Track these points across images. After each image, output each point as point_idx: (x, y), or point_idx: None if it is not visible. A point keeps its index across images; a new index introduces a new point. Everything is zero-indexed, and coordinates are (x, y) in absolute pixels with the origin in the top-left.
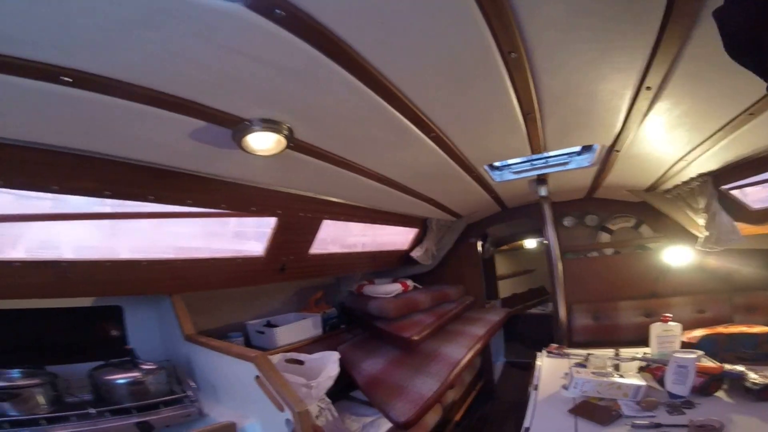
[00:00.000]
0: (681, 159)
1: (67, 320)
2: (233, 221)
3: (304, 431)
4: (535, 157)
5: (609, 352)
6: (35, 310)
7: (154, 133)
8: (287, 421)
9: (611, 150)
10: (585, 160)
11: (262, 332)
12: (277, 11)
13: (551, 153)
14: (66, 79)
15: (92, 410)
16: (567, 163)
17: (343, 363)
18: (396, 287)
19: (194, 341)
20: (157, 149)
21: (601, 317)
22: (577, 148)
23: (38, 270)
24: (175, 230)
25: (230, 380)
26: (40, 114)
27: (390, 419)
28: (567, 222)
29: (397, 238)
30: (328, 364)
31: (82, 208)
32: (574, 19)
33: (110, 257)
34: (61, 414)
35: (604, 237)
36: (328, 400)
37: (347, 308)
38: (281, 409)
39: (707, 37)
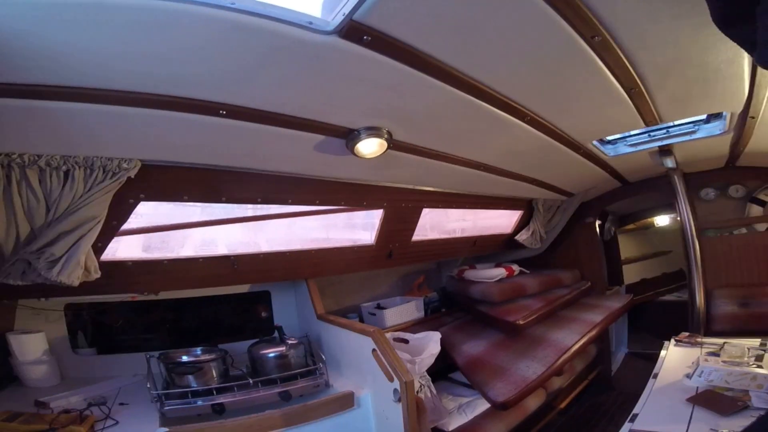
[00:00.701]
0: None
1: (231, 305)
2: (343, 215)
3: (409, 398)
4: (652, 128)
5: (752, 341)
6: (207, 298)
7: (287, 149)
8: (395, 390)
9: (744, 116)
10: (715, 128)
11: (374, 314)
12: (365, 37)
13: (673, 123)
14: (222, 111)
15: (250, 381)
16: (694, 131)
17: (443, 344)
18: (499, 272)
19: (324, 319)
20: (291, 162)
21: (750, 303)
22: (703, 116)
23: (215, 264)
24: (302, 224)
25: (352, 354)
26: (207, 141)
27: (488, 399)
28: (706, 194)
29: (500, 221)
30: (430, 343)
31: (227, 214)
32: None
33: (264, 251)
34: (226, 385)
35: (755, 210)
36: (428, 377)
37: (448, 292)
38: (391, 380)
39: None
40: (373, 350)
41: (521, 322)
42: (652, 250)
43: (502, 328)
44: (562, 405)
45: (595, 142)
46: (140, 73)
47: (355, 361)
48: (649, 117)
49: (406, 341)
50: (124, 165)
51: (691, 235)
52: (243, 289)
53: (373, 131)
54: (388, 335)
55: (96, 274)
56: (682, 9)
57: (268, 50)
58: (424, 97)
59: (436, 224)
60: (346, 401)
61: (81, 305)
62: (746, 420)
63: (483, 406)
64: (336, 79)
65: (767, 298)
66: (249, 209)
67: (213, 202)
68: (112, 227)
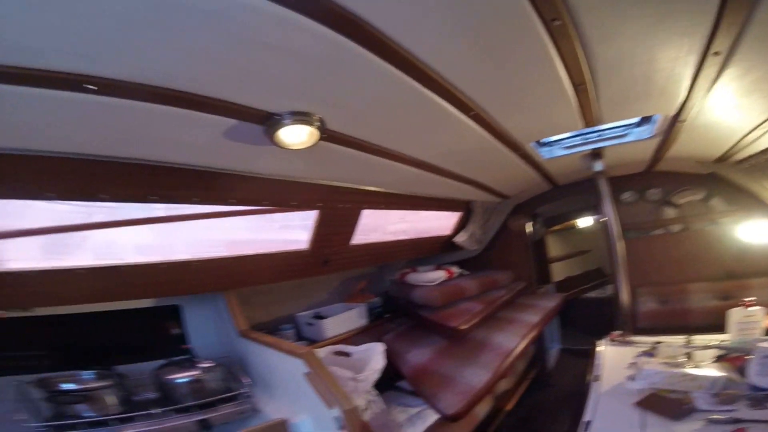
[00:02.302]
0: (757, 127)
1: (131, 321)
2: (278, 216)
3: (353, 428)
4: (587, 130)
5: (679, 339)
6: (101, 313)
7: (187, 134)
8: (336, 418)
9: (675, 120)
10: (645, 131)
11: (312, 324)
12: None
13: (606, 126)
14: (90, 87)
15: (157, 410)
16: (624, 135)
17: (388, 353)
18: (440, 274)
19: (248, 337)
20: (193, 151)
21: (669, 301)
22: (635, 120)
23: (101, 275)
24: (225, 225)
25: (282, 375)
26: (76, 124)
27: (438, 411)
28: (626, 197)
29: (439, 223)
30: (374, 356)
31: (135, 214)
32: None
33: (166, 259)
34: (129, 414)
35: (670, 212)
36: (374, 392)
37: (391, 297)
38: (330, 406)
39: None
40: (307, 374)
41: (464, 327)
42: (575, 249)
43: (445, 333)
44: (509, 407)
45: (533, 144)
46: None
47: (288, 383)
48: (588, 118)
49: (347, 354)
50: None
51: (615, 236)
52: (147, 303)
53: (301, 117)
54: (327, 349)
55: None
56: None
57: (151, 5)
58: (364, 79)
59: (376, 226)
60: (280, 430)
61: None
62: (697, 423)
63: (434, 415)
64: (250, 48)
65: (683, 295)
66: (158, 209)
67: (88, 200)
68: None
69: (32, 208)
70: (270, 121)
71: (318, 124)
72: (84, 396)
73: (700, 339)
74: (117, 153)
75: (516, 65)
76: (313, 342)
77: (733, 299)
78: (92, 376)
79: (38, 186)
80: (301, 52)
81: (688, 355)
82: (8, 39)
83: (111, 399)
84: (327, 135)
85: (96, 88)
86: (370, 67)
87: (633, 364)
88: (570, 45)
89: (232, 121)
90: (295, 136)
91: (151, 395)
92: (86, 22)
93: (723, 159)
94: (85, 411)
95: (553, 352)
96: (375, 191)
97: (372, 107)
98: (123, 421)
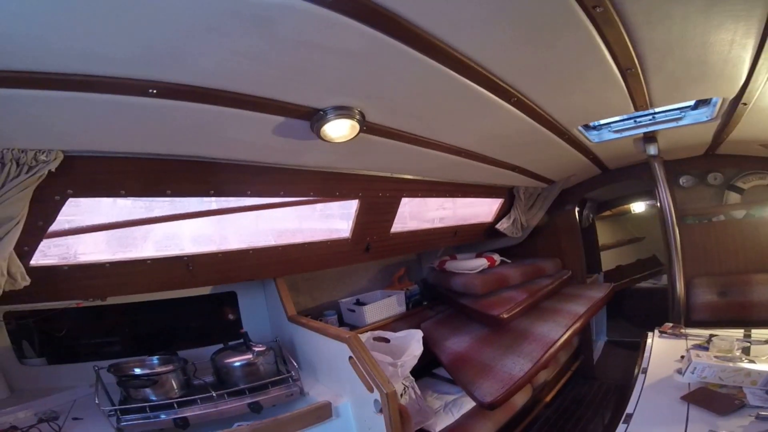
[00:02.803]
0: None
1: (192, 308)
2: (319, 206)
3: (392, 411)
4: (639, 114)
5: (737, 333)
6: (165, 301)
7: (240, 132)
8: (375, 401)
9: (736, 103)
10: (702, 114)
11: (353, 310)
12: None
13: (660, 109)
14: (152, 90)
15: (214, 393)
16: (680, 118)
17: (426, 341)
18: (481, 262)
19: (296, 322)
20: (246, 147)
21: (729, 293)
22: (691, 103)
23: (165, 265)
24: (272, 216)
25: (327, 359)
26: (141, 126)
27: (475, 399)
28: (684, 182)
29: (480, 209)
30: (412, 343)
31: (191, 208)
32: None
33: (223, 249)
34: (189, 398)
35: (733, 197)
36: (411, 378)
37: (430, 285)
38: (371, 390)
39: None
40: (350, 358)
41: (505, 316)
42: (627, 236)
43: (486, 322)
44: (548, 398)
45: (580, 128)
46: (44, 50)
47: (332, 367)
48: (640, 101)
49: (387, 340)
50: (42, 157)
51: (672, 222)
52: (206, 290)
53: (343, 111)
54: (368, 334)
55: (24, 282)
56: None
57: (204, 15)
58: (401, 72)
59: (415, 214)
60: (324, 412)
61: (23, 313)
62: (744, 420)
63: (469, 404)
64: (294, 48)
65: (745, 287)
66: (213, 202)
67: (155, 195)
68: (38, 228)
69: (98, 206)
70: (315, 117)
71: (358, 117)
72: (151, 380)
73: (760, 333)
74: (178, 151)
75: (558, 51)
76: (354, 327)
77: None
78: (158, 362)
79: (111, 184)
80: (341, 49)
81: (744, 350)
82: (77, 48)
83: (174, 383)
84: (367, 127)
85: (156, 91)
86: (406, 60)
87: (683, 358)
88: (615, 30)
89: (280, 119)
90: (338, 129)
91: (209, 379)
92: (149, 31)
93: None
94: (151, 395)
95: (600, 344)
96: (414, 179)
97: (409, 98)
98: (183, 404)
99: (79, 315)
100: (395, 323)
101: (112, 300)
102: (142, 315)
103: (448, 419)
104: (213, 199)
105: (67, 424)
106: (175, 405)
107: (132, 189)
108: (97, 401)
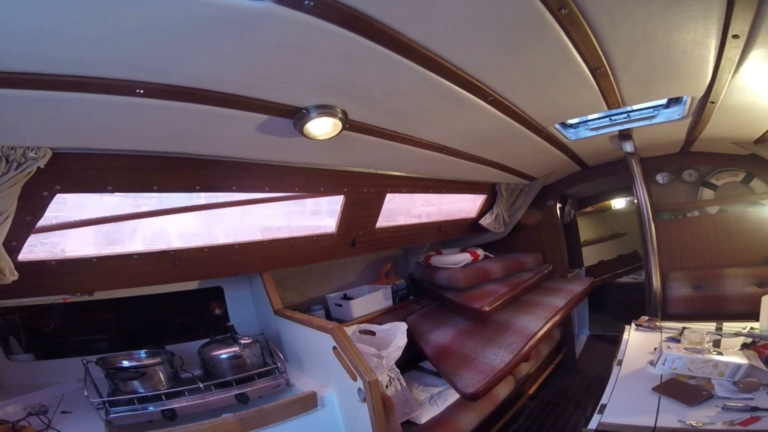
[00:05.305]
0: None
1: (179, 303)
2: (308, 202)
3: (374, 399)
4: (614, 112)
5: (709, 326)
6: (153, 296)
7: (225, 130)
8: (359, 390)
9: (704, 101)
10: (674, 112)
11: (340, 305)
12: (306, 2)
13: (634, 107)
14: (139, 91)
15: (201, 385)
16: (653, 116)
17: (412, 334)
18: (464, 257)
19: (282, 315)
20: (231, 144)
21: (703, 286)
22: (663, 101)
23: (152, 260)
24: (260, 212)
25: (312, 350)
26: (129, 125)
27: (457, 390)
28: (661, 178)
29: (464, 205)
30: (397, 335)
31: (178, 204)
32: None
33: (209, 243)
34: (176, 390)
35: (707, 194)
36: (397, 370)
37: (415, 279)
38: (354, 379)
39: None
40: (334, 348)
41: (487, 309)
42: (609, 232)
43: (469, 315)
44: (531, 390)
45: (557, 126)
46: (34, 53)
47: (317, 358)
48: (612, 99)
49: (373, 333)
50: (31, 154)
51: (648, 218)
52: (193, 285)
53: (325, 110)
54: (354, 327)
55: (12, 276)
56: None
57: (187, 20)
58: (380, 72)
59: (402, 209)
60: (309, 402)
61: (10, 309)
62: (711, 410)
63: (454, 396)
64: (275, 51)
65: (718, 281)
66: (202, 198)
67: (142, 191)
68: (27, 223)
69: (86, 202)
70: (298, 115)
71: (341, 115)
72: (139, 373)
73: (731, 326)
74: (165, 148)
75: (529, 52)
76: (342, 322)
77: None
78: (145, 355)
79: (99, 181)
80: (322, 52)
81: (715, 342)
82: (68, 51)
83: (162, 375)
84: (350, 125)
85: (143, 91)
86: (384, 61)
87: (656, 350)
88: (581, 30)
89: (264, 117)
90: (321, 127)
91: (197, 371)
92: (135, 35)
93: (762, 140)
94: (139, 387)
95: (582, 337)
96: (398, 175)
97: (390, 97)
98: (171, 396)
99: (66, 311)
100: (382, 317)
101: (99, 295)
102: (129, 310)
103: (433, 411)
104: (201, 195)
105: (56, 418)
106: (163, 397)
107: (119, 185)
108: (86, 393)
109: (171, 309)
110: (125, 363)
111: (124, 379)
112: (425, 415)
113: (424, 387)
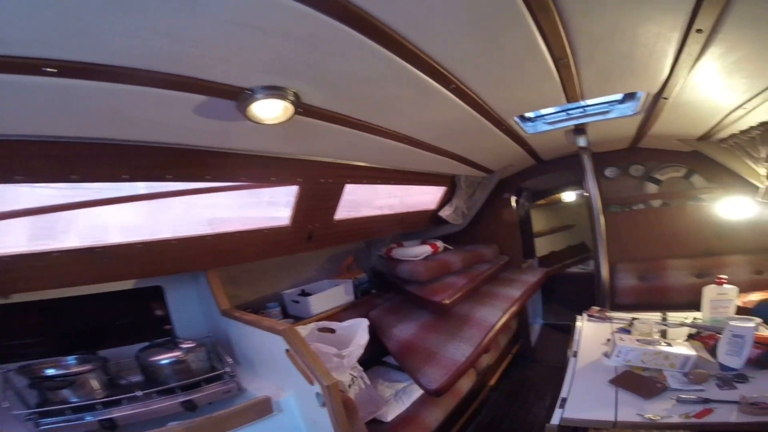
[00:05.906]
0: (739, 107)
1: (114, 304)
2: (266, 192)
3: (334, 404)
4: (571, 106)
5: (655, 316)
6: (83, 297)
7: (157, 113)
8: (317, 395)
9: (658, 97)
10: (628, 108)
11: (297, 301)
12: None
13: (589, 102)
14: (49, 69)
15: (139, 392)
16: (608, 111)
17: (374, 329)
18: (425, 249)
19: (230, 316)
20: (164, 129)
21: (648, 277)
22: (619, 96)
23: (79, 257)
24: (210, 203)
25: (265, 353)
26: (39, 108)
27: (421, 386)
28: (609, 173)
29: (425, 197)
30: (359, 332)
31: (116, 193)
32: None
33: (143, 239)
34: (113, 398)
35: (652, 188)
36: (360, 368)
37: (378, 272)
38: (311, 383)
39: None
40: (287, 351)
41: (448, 302)
42: (560, 223)
43: (430, 308)
44: (493, 381)
45: (516, 118)
46: None
47: (271, 361)
48: (572, 93)
49: (332, 331)
50: None
51: (597, 211)
52: (128, 285)
53: (274, 92)
54: (312, 325)
55: None
56: None
57: None
58: (341, 54)
59: (361, 201)
60: (263, 407)
61: None
62: (667, 403)
63: (419, 391)
64: (222, 26)
65: (662, 272)
66: (142, 187)
67: (60, 181)
68: None
69: (12, 194)
70: (242, 96)
71: (292, 98)
72: (68, 381)
73: (675, 316)
74: (88, 134)
75: (495, 38)
76: (300, 319)
77: (710, 276)
78: (74, 362)
79: (5, 169)
80: (277, 29)
81: (662, 333)
82: None
83: (95, 383)
84: (303, 110)
85: (56, 70)
86: (346, 41)
87: (609, 341)
88: (549, 18)
89: (202, 98)
90: (269, 110)
91: (136, 378)
92: (37, 6)
93: (706, 137)
94: (71, 396)
95: (537, 327)
96: (357, 165)
97: (350, 81)
98: (108, 404)
99: None
100: (344, 313)
101: (19, 297)
102: (55, 313)
103: (399, 407)
104: (141, 185)
105: None
106: (99, 406)
107: (32, 174)
108: (7, 405)
109: (106, 311)
110: (51, 371)
111: (53, 389)
112: (391, 413)
113: (389, 383)
